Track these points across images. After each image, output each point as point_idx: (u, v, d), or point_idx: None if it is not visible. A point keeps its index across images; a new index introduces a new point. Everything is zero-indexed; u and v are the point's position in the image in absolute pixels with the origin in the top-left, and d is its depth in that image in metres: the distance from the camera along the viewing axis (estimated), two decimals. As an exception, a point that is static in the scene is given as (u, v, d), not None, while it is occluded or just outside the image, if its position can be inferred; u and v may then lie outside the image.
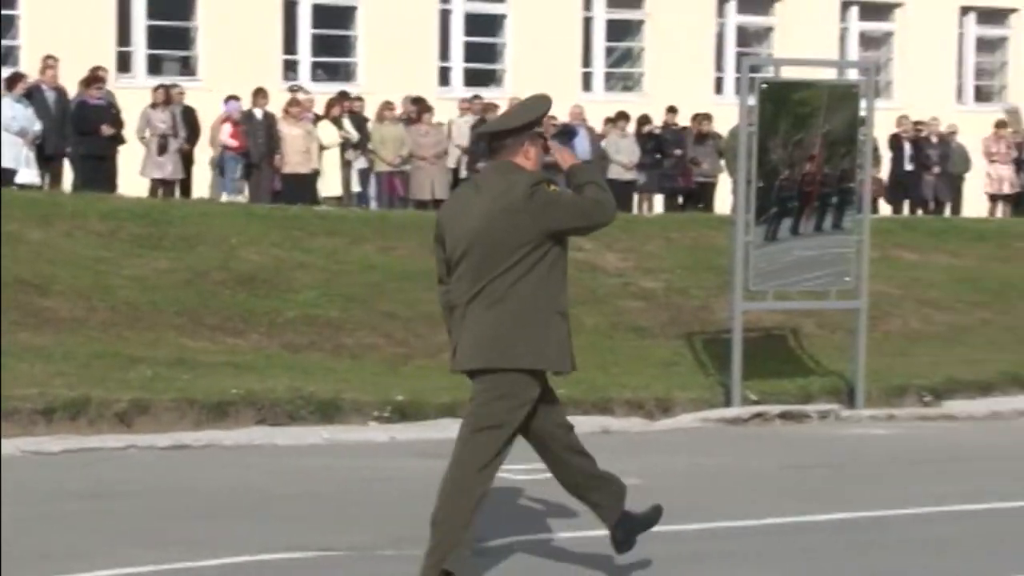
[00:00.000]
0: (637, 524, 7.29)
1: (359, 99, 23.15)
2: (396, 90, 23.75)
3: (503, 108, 24.22)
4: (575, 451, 7.23)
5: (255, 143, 21.46)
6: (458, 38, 27.28)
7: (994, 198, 26.51)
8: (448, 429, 12.29)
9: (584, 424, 12.65)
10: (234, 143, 21.45)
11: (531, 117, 7.05)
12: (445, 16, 27.11)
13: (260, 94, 21.79)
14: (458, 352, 7.02)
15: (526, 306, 6.89)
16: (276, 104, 21.95)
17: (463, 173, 23.29)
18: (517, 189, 6.91)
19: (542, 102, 7.13)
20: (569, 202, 6.94)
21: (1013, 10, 30.79)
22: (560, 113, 24.39)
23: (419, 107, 23.27)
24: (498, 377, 6.90)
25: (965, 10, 30.57)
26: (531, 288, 6.89)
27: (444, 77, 26.99)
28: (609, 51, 28.63)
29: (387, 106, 22.92)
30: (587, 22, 28.23)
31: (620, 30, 28.73)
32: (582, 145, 24.11)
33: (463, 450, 7.03)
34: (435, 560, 6.97)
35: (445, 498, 7.00)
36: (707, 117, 25.03)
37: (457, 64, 27.27)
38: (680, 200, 24.56)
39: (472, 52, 27.45)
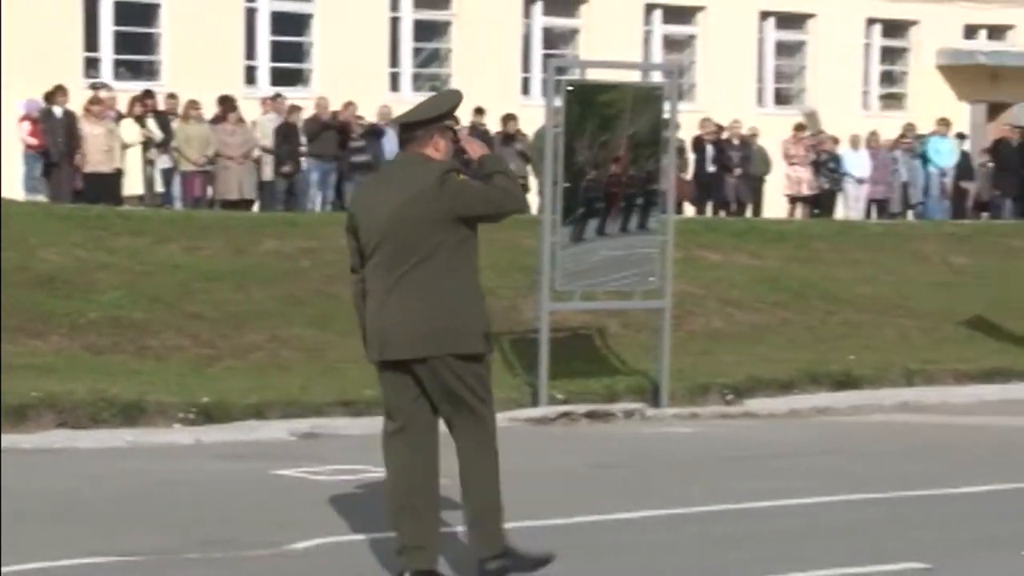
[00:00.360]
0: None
1: (173, 96, 22.90)
2: (202, 89, 23.48)
3: (310, 107, 24.12)
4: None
5: (55, 142, 21.09)
6: (264, 37, 27.06)
7: (793, 200, 27.06)
8: (255, 431, 12.23)
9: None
10: (33, 141, 21.05)
11: (441, 110, 7.28)
12: (251, 14, 26.87)
13: (60, 92, 21.40)
14: (386, 341, 7.13)
15: (454, 292, 7.12)
16: (77, 102, 21.57)
17: (267, 175, 23.12)
18: (428, 179, 7.13)
19: (452, 96, 7.39)
20: (479, 190, 7.20)
21: (811, 15, 31.43)
22: (367, 113, 24.37)
23: (224, 106, 23.05)
24: (437, 363, 7.09)
25: (765, 15, 31.13)
26: (453, 275, 7.13)
27: (250, 76, 26.76)
28: (416, 51, 28.62)
29: (192, 105, 22.67)
30: (394, 22, 28.19)
31: (427, 31, 28.75)
32: (391, 145, 24.10)
33: (469, 441, 7.25)
34: (494, 544, 7.21)
35: (478, 485, 7.22)
36: (513, 118, 25.19)
37: (263, 63, 27.05)
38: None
39: (279, 51, 27.25)
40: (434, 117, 7.24)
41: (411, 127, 7.26)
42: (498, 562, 7.25)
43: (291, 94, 25.34)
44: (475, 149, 7.45)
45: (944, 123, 28.58)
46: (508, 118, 25.30)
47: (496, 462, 7.33)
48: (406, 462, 7.25)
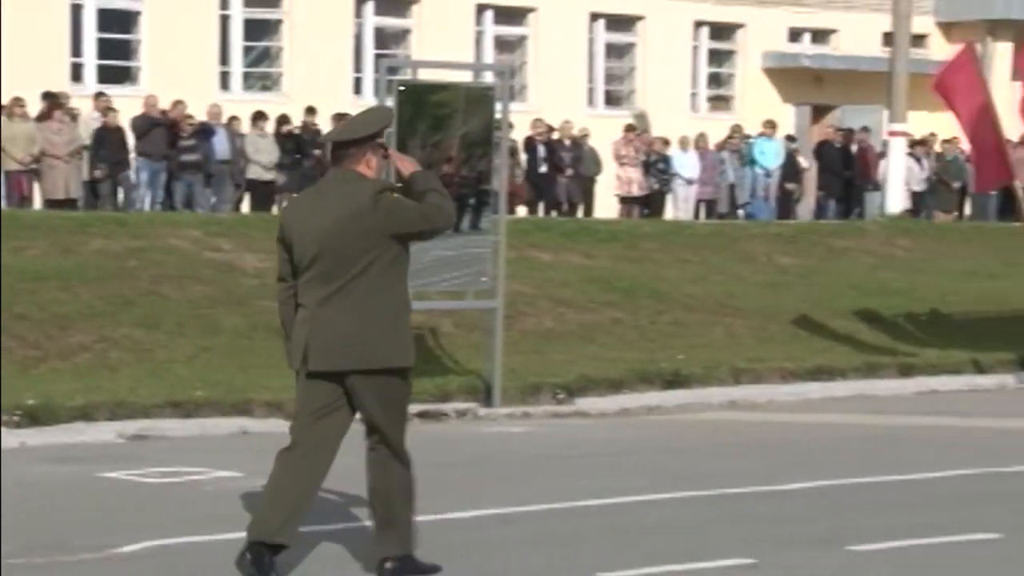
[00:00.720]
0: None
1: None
2: (27, 86, 23.05)
3: (138, 106, 23.80)
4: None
5: None
6: (91, 34, 26.67)
7: (624, 200, 27.30)
8: (82, 433, 12.05)
9: (223, 426, 12.59)
10: None
11: (374, 129, 7.48)
12: (76, 11, 26.48)
13: None
14: (315, 353, 7.36)
15: (384, 307, 7.36)
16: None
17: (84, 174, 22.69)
18: (362, 196, 7.34)
19: (384, 114, 7.77)
20: (412, 208, 7.41)
21: (640, 17, 31.76)
22: (197, 112, 24.11)
23: (50, 104, 22.67)
24: (368, 377, 7.36)
25: (595, 16, 31.40)
26: (385, 290, 7.37)
27: (77, 73, 26.35)
28: (247, 50, 28.41)
29: (17, 102, 22.25)
30: (224, 20, 27.96)
31: (258, 29, 28.55)
32: (221, 144, 23.90)
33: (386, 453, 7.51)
34: (397, 547, 7.52)
35: (393, 494, 7.51)
36: (345, 118, 25.08)
37: (90, 60, 26.67)
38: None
39: (106, 48, 26.88)
40: (367, 136, 7.44)
41: (345, 145, 7.46)
42: (395, 563, 7.51)
43: (119, 92, 25.03)
44: (406, 166, 7.62)
45: (770, 125, 29.04)
46: (340, 118, 25.19)
47: (409, 470, 7.61)
48: (293, 462, 7.53)
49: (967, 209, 29.88)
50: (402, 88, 13.63)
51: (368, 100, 26.15)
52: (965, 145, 26.93)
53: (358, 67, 29.08)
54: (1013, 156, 18.15)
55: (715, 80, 33.16)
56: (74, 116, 22.94)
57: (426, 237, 7.60)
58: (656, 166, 27.37)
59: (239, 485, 9.88)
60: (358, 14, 29.13)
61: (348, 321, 7.33)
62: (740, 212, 28.37)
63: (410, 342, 7.52)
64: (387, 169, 7.82)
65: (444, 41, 28.02)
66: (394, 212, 7.37)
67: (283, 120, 24.84)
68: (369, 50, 29.09)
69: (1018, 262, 20.13)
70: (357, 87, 28.94)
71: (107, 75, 26.62)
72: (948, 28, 34.32)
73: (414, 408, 13.56)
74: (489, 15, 30.41)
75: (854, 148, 29.34)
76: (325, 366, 7.38)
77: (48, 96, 22.84)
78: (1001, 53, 33.38)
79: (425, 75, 14.62)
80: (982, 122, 16.38)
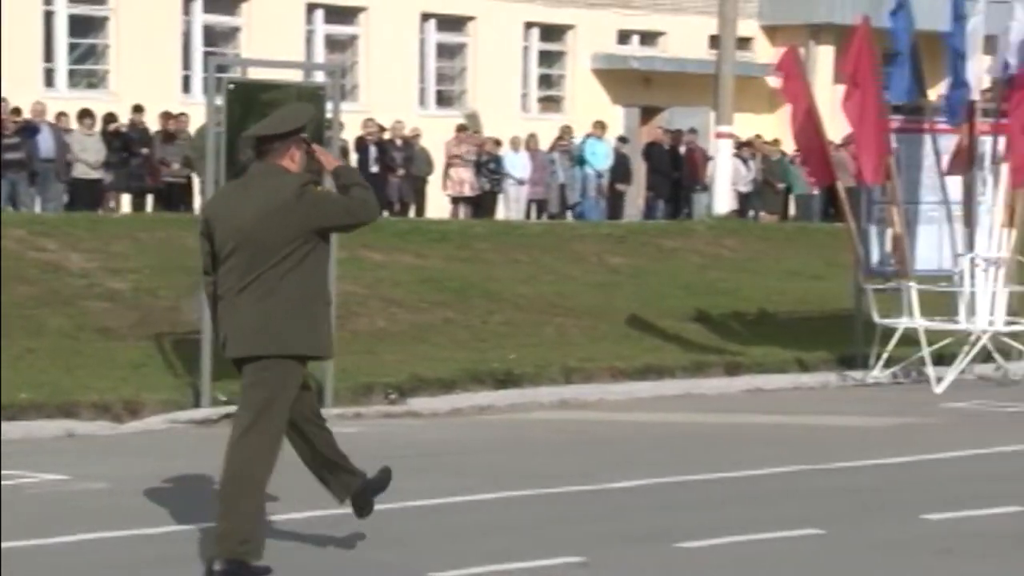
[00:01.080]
0: (370, 488, 8.03)
1: None
2: None
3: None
4: (319, 426, 8.01)
5: None
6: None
7: (456, 200, 27.36)
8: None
9: (48, 428, 12.38)
10: None
11: (297, 124, 7.69)
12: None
13: None
14: (229, 340, 7.60)
15: (295, 297, 7.52)
16: None
17: None
18: (287, 190, 7.53)
19: (306, 110, 8.01)
20: (336, 201, 7.62)
21: (471, 18, 31.84)
22: (23, 108, 23.69)
23: None
24: (271, 363, 7.50)
25: (426, 16, 31.41)
26: (300, 280, 7.53)
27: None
28: (72, 47, 27.98)
29: None
30: (48, 16, 27.51)
31: (83, 26, 28.13)
32: (45, 143, 23.50)
33: (244, 440, 7.55)
34: (228, 547, 7.48)
35: (234, 487, 7.52)
36: (174, 117, 24.85)
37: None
38: (150, 200, 24.29)
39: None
40: (291, 131, 7.63)
41: (269, 139, 7.65)
42: (225, 564, 7.49)
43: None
44: (329, 161, 7.87)
45: (599, 126, 29.29)
46: (168, 116, 24.94)
47: (260, 481, 7.64)
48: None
49: (791, 210, 30.40)
50: (232, 87, 13.52)
51: (197, 99, 25.90)
52: (789, 147, 27.47)
53: (187, 65, 28.78)
54: (835, 157, 18.54)
55: (546, 81, 33.36)
56: None
57: (349, 230, 7.84)
58: (487, 166, 27.46)
59: (65, 488, 9.73)
60: (186, 11, 28.83)
61: (260, 309, 7.50)
62: (570, 212, 28.57)
63: (323, 333, 7.67)
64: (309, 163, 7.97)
65: (274, 40, 27.86)
66: (318, 205, 7.53)
67: (110, 118, 24.51)
68: (198, 48, 28.81)
69: (840, 263, 20.47)
70: (186, 85, 28.65)
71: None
72: (772, 31, 34.89)
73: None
74: (320, 14, 30.28)
75: (682, 149, 29.69)
76: (240, 352, 7.57)
77: None
78: (824, 56, 34.03)
79: (255, 74, 14.54)
80: (806, 123, 16.71)
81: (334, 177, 7.76)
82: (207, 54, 26.87)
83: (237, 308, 7.56)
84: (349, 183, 7.70)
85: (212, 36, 29.34)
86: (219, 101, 13.40)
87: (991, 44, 16.46)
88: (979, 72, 16.37)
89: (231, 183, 7.98)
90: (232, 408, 13.42)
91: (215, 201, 8.00)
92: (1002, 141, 16.55)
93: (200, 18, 29.08)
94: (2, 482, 9.88)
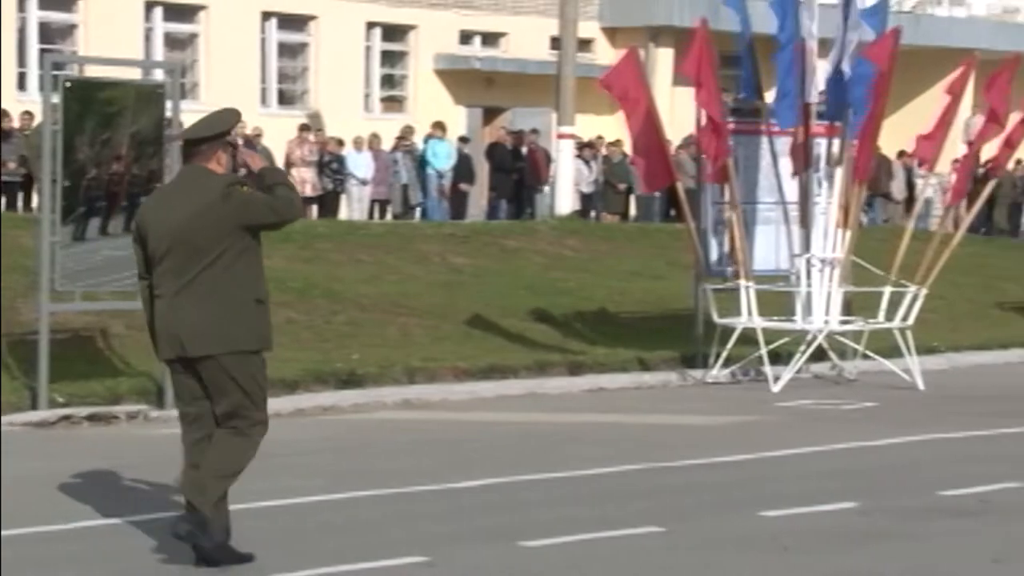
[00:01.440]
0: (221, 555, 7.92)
1: None
2: None
3: None
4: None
5: None
6: None
7: (303, 201, 27.18)
8: None
9: None
10: None
11: (223, 127, 7.96)
12: None
13: None
14: (169, 341, 7.82)
15: (237, 294, 7.77)
16: None
17: None
18: (214, 191, 7.76)
19: (233, 114, 8.09)
20: (262, 201, 7.85)
21: (313, 17, 31.71)
22: None
23: None
24: (226, 359, 7.75)
25: (267, 15, 31.22)
26: (238, 278, 7.78)
27: None
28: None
29: None
30: None
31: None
32: None
33: (232, 435, 7.86)
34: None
35: (215, 470, 7.79)
36: (8, 115, 24.44)
37: None
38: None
39: None
40: (217, 133, 7.91)
41: (196, 143, 7.91)
42: (189, 526, 7.78)
43: None
44: (255, 162, 8.19)
45: (440, 126, 29.31)
46: (2, 114, 24.52)
47: (246, 456, 7.98)
48: (199, 441, 7.91)
49: (633, 210, 30.67)
50: (68, 85, 13.35)
51: (33, 96, 25.52)
52: (629, 148, 27.73)
53: (22, 62, 28.31)
54: (674, 159, 18.75)
55: (388, 81, 33.32)
56: None
57: (276, 227, 8.03)
58: (330, 166, 27.36)
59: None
60: (21, 8, 28.36)
61: (196, 309, 7.73)
62: (414, 212, 28.57)
63: (263, 327, 7.87)
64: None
65: (112, 37, 27.50)
66: (244, 204, 7.78)
67: (-58, 117, 24.03)
68: (33, 45, 28.35)
69: (681, 263, 20.72)
70: (21, 83, 28.18)
71: None
72: (613, 33, 35.17)
73: (84, 411, 13.38)
74: (159, 12, 29.96)
75: (524, 150, 29.83)
76: (174, 353, 7.83)
77: None
78: (663, 58, 34.39)
79: (93, 72, 14.35)
80: (646, 125, 16.87)
81: (260, 177, 8.00)
82: (43, 51, 26.48)
83: (181, 308, 7.77)
84: (273, 183, 7.95)
85: (48, 33, 28.88)
86: (55, 99, 13.22)
87: (826, 48, 16.73)
88: (813, 76, 16.61)
89: (161, 188, 8.27)
90: (70, 410, 13.29)
91: (147, 206, 8.21)
92: (836, 143, 16.86)
93: (36, 14, 28.62)
94: None
